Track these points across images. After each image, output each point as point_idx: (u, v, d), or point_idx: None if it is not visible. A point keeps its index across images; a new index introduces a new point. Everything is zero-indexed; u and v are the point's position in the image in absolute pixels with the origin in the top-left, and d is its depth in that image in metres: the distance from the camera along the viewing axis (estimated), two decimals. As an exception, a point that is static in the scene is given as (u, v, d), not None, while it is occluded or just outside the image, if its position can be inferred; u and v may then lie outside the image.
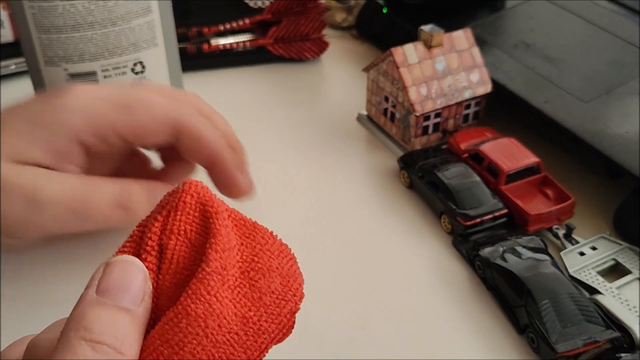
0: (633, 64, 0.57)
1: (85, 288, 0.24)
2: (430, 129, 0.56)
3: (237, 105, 0.64)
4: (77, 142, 0.41)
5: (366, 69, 0.58)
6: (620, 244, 0.47)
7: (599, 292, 0.43)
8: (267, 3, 0.72)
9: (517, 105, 0.55)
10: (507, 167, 0.49)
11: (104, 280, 0.24)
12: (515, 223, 0.49)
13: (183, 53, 0.60)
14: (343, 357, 0.41)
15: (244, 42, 0.69)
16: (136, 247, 0.25)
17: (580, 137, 0.50)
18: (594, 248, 0.47)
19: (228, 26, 0.70)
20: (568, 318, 0.40)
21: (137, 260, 0.25)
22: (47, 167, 0.40)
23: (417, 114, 0.54)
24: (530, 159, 0.50)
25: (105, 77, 0.53)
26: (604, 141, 0.50)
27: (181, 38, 0.61)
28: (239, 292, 0.25)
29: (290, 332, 0.26)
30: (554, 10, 0.65)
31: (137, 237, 0.26)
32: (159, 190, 0.42)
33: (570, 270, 0.45)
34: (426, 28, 0.55)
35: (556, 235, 0.48)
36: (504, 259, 0.44)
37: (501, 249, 0.44)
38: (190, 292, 0.23)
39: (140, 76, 0.54)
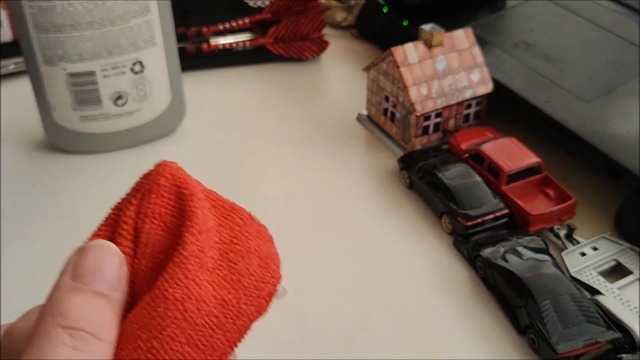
0: (634, 64, 0.56)
1: (59, 274, 0.24)
2: (431, 129, 0.56)
3: (237, 105, 0.64)
4: None
5: (366, 69, 0.58)
6: (622, 245, 0.47)
7: (600, 293, 0.43)
8: (267, 2, 0.71)
9: (518, 105, 0.55)
10: (508, 167, 0.49)
11: (79, 266, 0.23)
12: (516, 223, 0.48)
13: (182, 52, 0.59)
14: (343, 357, 0.41)
15: (243, 41, 0.69)
16: (111, 231, 0.25)
17: (581, 136, 0.50)
18: (595, 248, 0.47)
19: (227, 25, 0.70)
20: (569, 319, 0.39)
21: (112, 244, 0.24)
22: None
23: (418, 114, 0.53)
24: (531, 159, 0.50)
25: (104, 76, 0.53)
26: (604, 141, 0.49)
27: (180, 37, 0.61)
28: (218, 274, 0.24)
29: (267, 311, 0.26)
30: (554, 9, 0.64)
31: (112, 220, 0.25)
32: None
33: (571, 271, 0.45)
34: (427, 27, 0.54)
35: (557, 236, 0.48)
36: (505, 260, 0.44)
37: (502, 250, 0.44)
38: (167, 276, 0.23)
39: (140, 75, 0.54)
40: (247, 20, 0.70)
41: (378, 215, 0.52)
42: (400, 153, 0.56)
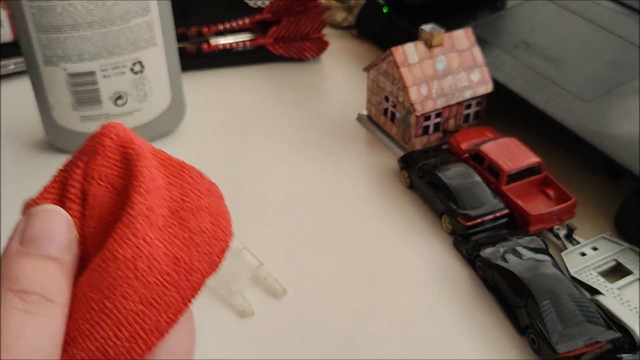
0: (634, 64, 0.56)
1: (8, 240, 0.24)
2: (431, 129, 0.56)
3: (236, 104, 0.64)
4: None
5: (366, 69, 0.58)
6: (621, 245, 0.47)
7: (600, 293, 0.43)
8: (267, 2, 0.71)
9: (518, 105, 0.55)
10: (508, 167, 0.49)
11: (27, 231, 0.24)
12: (516, 223, 0.48)
13: (182, 52, 0.59)
14: (343, 357, 0.41)
15: (243, 41, 0.69)
16: (60, 194, 0.25)
17: (581, 137, 0.50)
18: (595, 248, 0.47)
19: (228, 26, 0.70)
20: (569, 319, 0.39)
21: (59, 208, 0.24)
22: None
23: (418, 114, 0.53)
24: (531, 159, 0.50)
25: (104, 76, 0.53)
26: (604, 141, 0.49)
27: (180, 37, 0.61)
28: (169, 232, 0.24)
29: (219, 268, 0.26)
30: (554, 10, 0.64)
31: (60, 182, 0.25)
32: None
33: (571, 271, 0.45)
34: (427, 27, 0.54)
35: (557, 236, 0.48)
36: (505, 260, 0.44)
37: (502, 250, 0.44)
38: (116, 236, 0.23)
39: (140, 75, 0.54)
40: (247, 21, 0.70)
41: (378, 215, 0.52)
42: (400, 153, 0.56)
